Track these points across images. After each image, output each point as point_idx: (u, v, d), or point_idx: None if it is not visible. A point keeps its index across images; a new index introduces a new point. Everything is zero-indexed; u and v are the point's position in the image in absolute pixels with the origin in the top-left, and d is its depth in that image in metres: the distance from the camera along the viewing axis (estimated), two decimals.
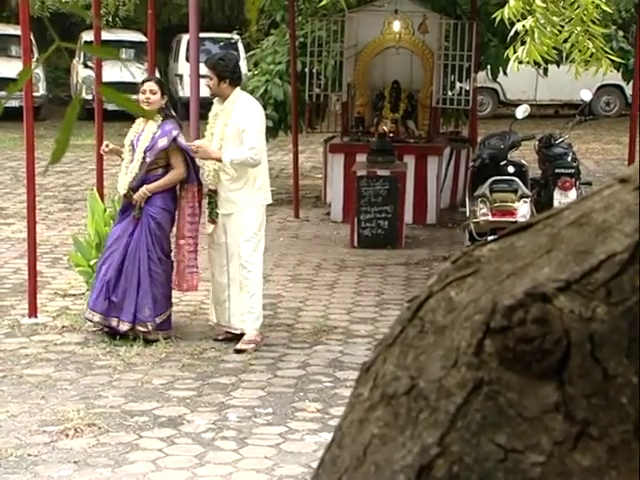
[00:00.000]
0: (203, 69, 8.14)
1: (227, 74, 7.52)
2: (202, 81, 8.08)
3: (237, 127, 7.47)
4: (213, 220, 7.56)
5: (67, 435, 5.99)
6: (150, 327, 7.54)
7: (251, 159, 7.41)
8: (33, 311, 8.22)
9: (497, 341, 1.17)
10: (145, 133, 7.57)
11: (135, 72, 20.45)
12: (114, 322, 7.55)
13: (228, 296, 7.63)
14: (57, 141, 1.50)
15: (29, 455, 5.72)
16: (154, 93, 7.55)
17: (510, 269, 1.22)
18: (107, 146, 7.71)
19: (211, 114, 7.68)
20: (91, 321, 7.70)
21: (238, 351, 7.53)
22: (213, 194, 7.55)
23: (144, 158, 7.52)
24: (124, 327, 7.53)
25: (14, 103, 13.77)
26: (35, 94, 14.01)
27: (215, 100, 7.73)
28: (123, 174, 7.61)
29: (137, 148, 7.54)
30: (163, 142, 7.51)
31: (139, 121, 7.69)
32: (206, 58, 7.79)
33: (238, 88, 7.65)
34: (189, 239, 7.70)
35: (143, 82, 7.70)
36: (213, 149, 7.50)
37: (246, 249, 7.55)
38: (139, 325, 7.52)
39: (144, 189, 7.50)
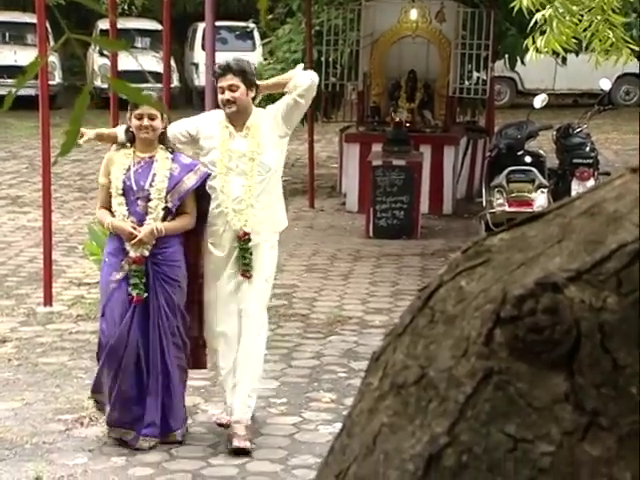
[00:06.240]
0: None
1: (255, 81, 5.82)
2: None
3: (274, 123, 5.77)
4: (248, 273, 5.73)
5: (82, 423, 6.01)
6: (181, 435, 5.81)
7: (312, 80, 5.77)
8: (48, 300, 8.25)
9: (507, 331, 1.16)
10: (155, 171, 5.59)
11: (151, 60, 20.50)
12: (130, 436, 5.71)
13: (232, 372, 5.80)
14: (67, 133, 1.49)
15: (44, 443, 5.75)
16: (153, 119, 5.56)
17: (521, 259, 1.21)
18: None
19: (221, 147, 5.71)
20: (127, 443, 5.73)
21: (244, 452, 5.67)
22: (245, 241, 5.70)
23: (166, 205, 5.59)
24: (147, 444, 5.70)
25: (30, 91, 13.76)
26: (51, 82, 14.00)
27: (217, 122, 5.78)
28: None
29: (145, 192, 5.59)
30: (191, 180, 5.59)
31: (120, 155, 5.66)
32: (233, 63, 5.76)
33: None
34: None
35: (135, 105, 5.43)
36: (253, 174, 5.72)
37: (265, 296, 5.88)
38: (170, 436, 5.76)
39: (159, 226, 5.55)
